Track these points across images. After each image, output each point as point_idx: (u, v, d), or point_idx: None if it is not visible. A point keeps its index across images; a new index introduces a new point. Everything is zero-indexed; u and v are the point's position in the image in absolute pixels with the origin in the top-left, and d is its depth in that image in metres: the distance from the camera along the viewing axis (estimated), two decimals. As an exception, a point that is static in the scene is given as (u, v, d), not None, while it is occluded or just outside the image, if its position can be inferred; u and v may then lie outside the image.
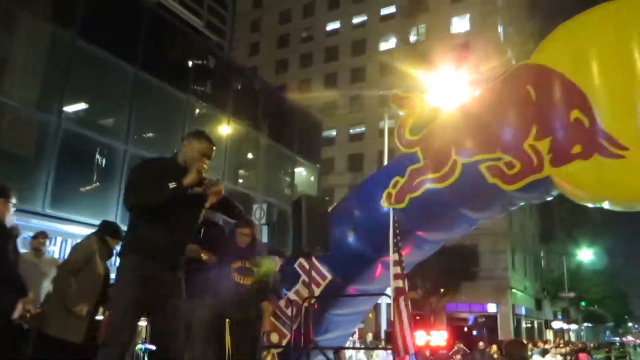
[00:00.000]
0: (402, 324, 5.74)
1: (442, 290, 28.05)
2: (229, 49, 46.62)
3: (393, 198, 6.25)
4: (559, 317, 42.68)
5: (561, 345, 23.35)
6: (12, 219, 4.54)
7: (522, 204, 6.55)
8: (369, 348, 15.19)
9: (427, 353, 11.44)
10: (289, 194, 21.90)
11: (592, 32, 5.40)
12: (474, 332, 27.92)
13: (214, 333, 4.66)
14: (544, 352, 19.63)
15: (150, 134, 16.11)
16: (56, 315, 4.59)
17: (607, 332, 66.86)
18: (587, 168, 5.16)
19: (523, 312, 35.62)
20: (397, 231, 6.09)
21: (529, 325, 37.55)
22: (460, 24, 38.12)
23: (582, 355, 21.76)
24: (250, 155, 21.74)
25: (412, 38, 39.33)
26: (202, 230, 4.74)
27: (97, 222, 5.32)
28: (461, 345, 16.01)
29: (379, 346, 15.69)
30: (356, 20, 42.94)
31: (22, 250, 5.41)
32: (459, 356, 14.98)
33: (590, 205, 5.92)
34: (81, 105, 14.08)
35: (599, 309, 49.48)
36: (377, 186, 6.61)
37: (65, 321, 4.57)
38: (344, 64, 41.84)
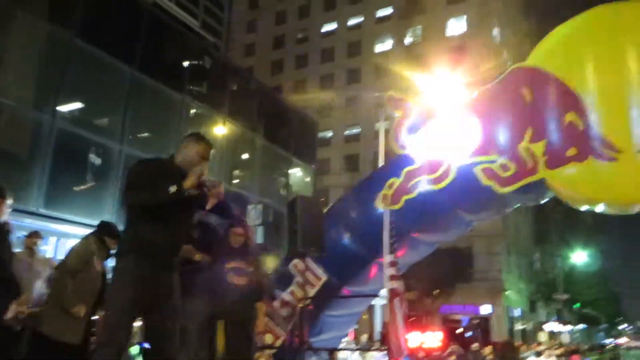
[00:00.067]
0: (397, 325, 5.75)
1: (436, 291, 28.06)
2: (225, 49, 46.58)
3: (389, 199, 6.27)
4: (553, 318, 42.77)
5: (555, 347, 23.41)
6: (5, 218, 4.52)
7: (517, 205, 6.58)
8: (364, 349, 15.18)
9: (421, 354, 11.43)
10: (285, 195, 21.88)
11: (586, 36, 5.44)
12: (468, 334, 27.95)
13: (208, 333, 4.66)
14: (539, 354, 19.69)
15: (146, 134, 16.05)
16: (54, 316, 4.56)
17: (601, 334, 67.07)
18: (582, 171, 5.19)
19: (517, 313, 35.69)
20: (393, 232, 6.11)
21: (523, 327, 37.63)
22: (457, 26, 38.12)
23: (575, 357, 21.85)
24: (245, 156, 21.66)
25: (408, 40, 39.31)
26: (196, 231, 4.73)
27: (92, 222, 5.30)
28: (455, 347, 16.00)
29: (373, 347, 15.68)
30: (352, 21, 42.89)
31: (16, 249, 5.38)
32: (453, 357, 14.96)
33: (583, 207, 5.95)
34: (76, 105, 13.99)
35: (593, 311, 49.66)
36: (373, 187, 6.63)
37: (63, 322, 4.54)
38: (339, 65, 41.80)
